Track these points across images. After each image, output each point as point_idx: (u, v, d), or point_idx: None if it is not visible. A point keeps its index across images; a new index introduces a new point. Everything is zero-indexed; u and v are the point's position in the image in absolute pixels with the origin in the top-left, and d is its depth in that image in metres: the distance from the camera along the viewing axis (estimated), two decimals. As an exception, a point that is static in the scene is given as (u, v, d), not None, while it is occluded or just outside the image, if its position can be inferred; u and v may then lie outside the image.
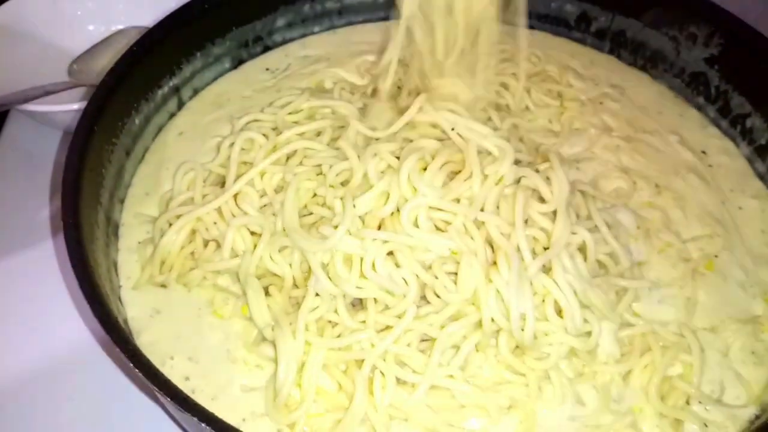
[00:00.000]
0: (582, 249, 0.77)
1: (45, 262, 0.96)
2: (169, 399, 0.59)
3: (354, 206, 0.75)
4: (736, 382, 0.76)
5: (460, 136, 0.80)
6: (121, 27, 1.26)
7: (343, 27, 1.17)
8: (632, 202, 0.89)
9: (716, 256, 0.85)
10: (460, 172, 0.77)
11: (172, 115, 1.01)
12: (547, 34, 1.16)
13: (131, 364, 0.61)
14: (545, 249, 0.76)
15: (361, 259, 0.74)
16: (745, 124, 1.00)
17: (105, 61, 1.23)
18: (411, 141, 0.80)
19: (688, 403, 0.74)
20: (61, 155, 1.11)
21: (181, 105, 1.03)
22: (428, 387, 0.70)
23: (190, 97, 1.04)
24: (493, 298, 0.71)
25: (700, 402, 0.73)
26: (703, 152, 1.00)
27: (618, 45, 1.13)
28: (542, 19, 1.17)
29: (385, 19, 1.18)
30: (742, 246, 0.88)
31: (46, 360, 0.86)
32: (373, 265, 0.73)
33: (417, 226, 0.74)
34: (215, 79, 1.07)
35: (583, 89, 1.02)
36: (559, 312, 0.73)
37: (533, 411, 0.71)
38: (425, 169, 0.77)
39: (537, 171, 0.79)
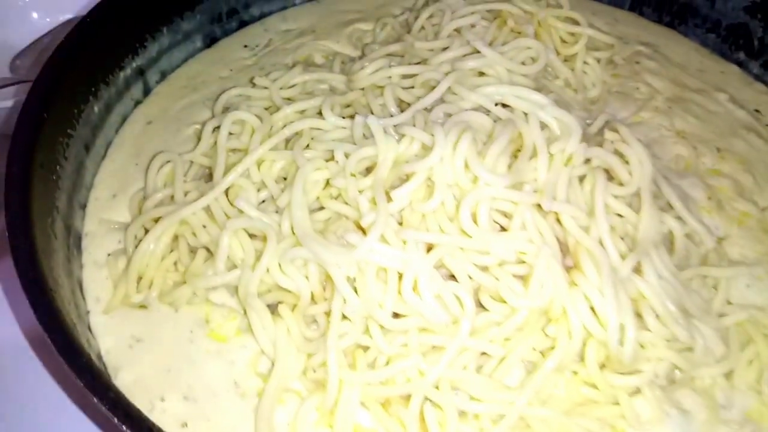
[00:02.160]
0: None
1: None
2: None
3: (390, 201, 0.59)
4: None
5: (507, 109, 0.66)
6: (69, 17, 1.09)
7: (326, -5, 1.02)
8: (695, 169, 0.77)
9: (801, 224, 0.73)
10: (517, 151, 0.62)
11: (137, 103, 0.86)
12: (560, -8, 1.03)
13: (115, 418, 0.44)
14: (621, 239, 0.62)
15: (400, 275, 0.58)
16: (796, 78, 0.89)
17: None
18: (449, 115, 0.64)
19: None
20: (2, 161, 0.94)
21: (147, 91, 0.87)
22: (510, 419, 0.55)
23: (158, 82, 0.89)
24: (583, 306, 0.56)
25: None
26: (757, 110, 0.89)
27: (640, 1, 1.00)
28: (552, -23, 1.03)
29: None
30: (822, 210, 0.76)
31: None
32: (416, 283, 0.57)
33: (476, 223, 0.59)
34: (186, 60, 0.92)
35: (615, 45, 0.88)
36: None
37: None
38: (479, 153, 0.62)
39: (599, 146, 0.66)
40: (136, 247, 0.66)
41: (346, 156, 0.64)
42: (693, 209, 0.71)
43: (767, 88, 0.91)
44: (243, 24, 0.97)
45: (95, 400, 0.45)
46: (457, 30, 0.80)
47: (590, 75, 0.85)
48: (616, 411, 0.57)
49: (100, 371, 0.49)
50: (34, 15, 1.11)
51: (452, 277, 0.60)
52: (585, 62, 0.85)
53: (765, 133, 0.85)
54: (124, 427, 0.44)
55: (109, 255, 0.69)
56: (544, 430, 0.56)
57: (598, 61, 0.86)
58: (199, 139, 0.77)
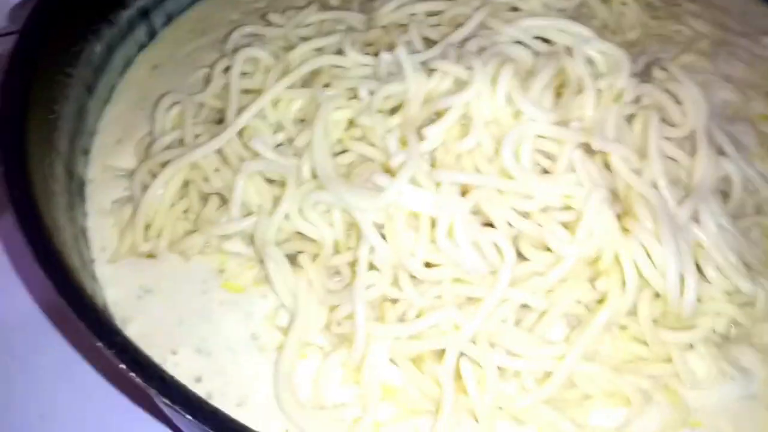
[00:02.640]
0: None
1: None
2: (191, 417, 0.38)
3: (422, 140, 0.54)
4: None
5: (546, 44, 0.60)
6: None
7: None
8: (744, 115, 0.72)
9: None
10: (561, 87, 0.56)
11: (142, 47, 0.80)
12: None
13: (125, 367, 0.39)
14: (674, 184, 0.57)
15: (433, 221, 0.53)
16: None
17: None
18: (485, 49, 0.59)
19: None
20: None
21: (153, 34, 0.82)
22: (558, 378, 0.50)
23: (164, 25, 0.83)
24: (641, 254, 0.51)
25: None
26: (804, 55, 0.82)
27: (675, -59, 0.94)
28: None
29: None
30: None
31: None
32: (451, 230, 0.52)
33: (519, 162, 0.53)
34: (193, 2, 0.86)
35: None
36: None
37: (682, 395, 0.52)
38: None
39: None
40: (144, 193, 0.61)
41: (371, 93, 0.58)
42: (745, 156, 0.66)
43: (814, 33, 0.86)
44: (252, -36, 0.91)
45: (100, 344, 0.40)
46: (487, -38, 0.74)
47: (628, 16, 0.79)
48: (669, 369, 0.53)
49: (105, 313, 0.44)
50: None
51: (489, 224, 0.54)
52: (623, 2, 0.79)
53: (815, 78, 0.79)
54: (133, 376, 0.39)
55: (114, 202, 0.65)
56: (591, 388, 0.51)
57: (636, 2, 0.80)
58: (208, 81, 0.72)
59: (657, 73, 0.64)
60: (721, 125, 0.69)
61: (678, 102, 0.61)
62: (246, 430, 0.42)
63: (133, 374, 0.39)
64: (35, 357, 0.69)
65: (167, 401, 0.39)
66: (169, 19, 0.83)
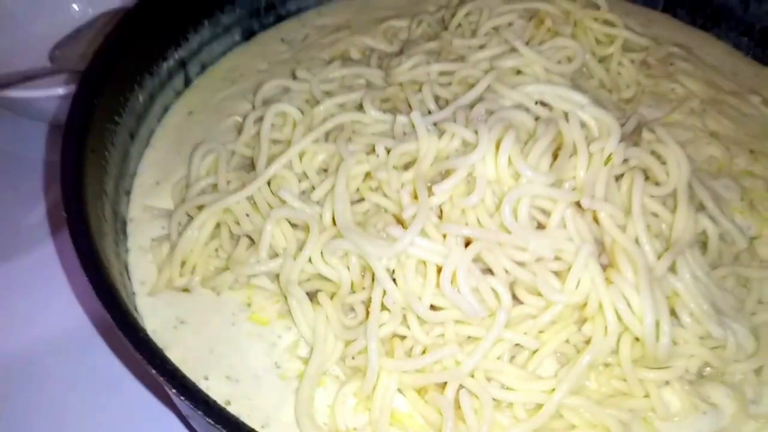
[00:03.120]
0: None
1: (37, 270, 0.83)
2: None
3: (431, 196, 0.61)
4: None
5: (546, 107, 0.67)
6: (106, 9, 1.13)
7: (363, -8, 1.04)
8: (728, 171, 0.78)
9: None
10: (558, 149, 0.63)
11: (178, 94, 0.88)
12: (593, -7, 1.03)
13: (172, 388, 0.46)
14: (655, 237, 0.63)
15: (439, 269, 0.59)
16: (830, 83, 0.89)
17: (90, 46, 1.10)
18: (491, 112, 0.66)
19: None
20: (48, 151, 0.97)
21: (188, 82, 0.89)
22: (548, 410, 0.56)
23: (198, 73, 0.91)
24: (621, 303, 0.57)
25: None
26: (790, 113, 0.88)
27: (674, 3, 1.01)
28: (585, -21, 1.04)
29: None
30: None
31: (46, 348, 0.78)
32: (454, 277, 0.58)
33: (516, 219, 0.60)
34: (225, 52, 0.94)
35: (649, 46, 0.89)
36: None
37: (658, 427, 0.59)
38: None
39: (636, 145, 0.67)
40: (180, 233, 0.68)
41: (387, 150, 0.65)
42: (725, 210, 0.72)
43: (801, 92, 0.92)
44: (280, 18, 0.99)
45: (153, 371, 0.47)
46: (495, 28, 0.81)
47: (625, 76, 0.86)
48: (647, 404, 0.58)
49: (156, 345, 0.50)
50: (75, 7, 1.14)
51: (488, 270, 0.61)
52: (620, 63, 0.86)
53: (798, 136, 0.85)
54: (181, 398, 0.46)
55: (153, 240, 0.71)
56: (576, 419, 0.57)
57: (632, 62, 0.87)
58: (239, 130, 0.79)
59: (646, 134, 0.71)
60: (706, 180, 0.76)
61: (663, 162, 0.67)
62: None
63: (182, 398, 0.46)
64: (83, 363, 0.76)
65: (211, 421, 0.45)
66: (203, 68, 0.91)
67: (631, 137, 0.73)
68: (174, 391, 0.46)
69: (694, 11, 1.00)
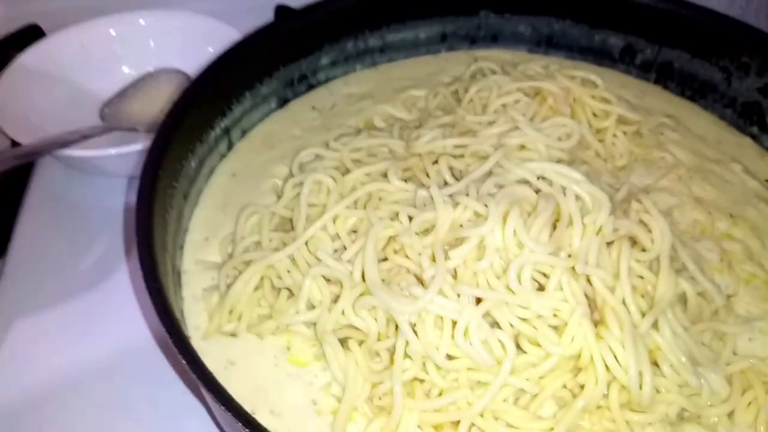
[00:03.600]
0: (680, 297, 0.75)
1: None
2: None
3: (447, 259, 0.71)
4: None
5: (546, 181, 0.78)
6: (150, 69, 1.24)
7: (384, 63, 1.16)
8: (710, 234, 0.87)
9: (802, 288, 0.83)
10: (557, 221, 0.73)
11: (222, 157, 0.98)
12: (592, 66, 1.15)
13: (239, 423, 0.56)
14: (642, 297, 0.73)
15: (454, 323, 0.69)
16: (803, 153, 0.99)
17: (135, 104, 1.22)
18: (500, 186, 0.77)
19: (797, 440, 0.70)
20: (101, 200, 1.08)
21: (231, 146, 1.00)
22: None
23: (239, 138, 1.01)
24: (609, 356, 0.67)
25: (811, 439, 0.70)
26: (767, 181, 0.98)
27: (665, 76, 1.12)
28: (584, 52, 1.16)
29: (425, 53, 1.18)
30: (823, 275, 0.86)
31: (111, 359, 0.88)
32: (467, 331, 0.69)
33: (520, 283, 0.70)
34: (262, 119, 1.05)
35: (641, 120, 1.00)
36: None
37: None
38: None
39: (625, 213, 0.77)
40: (229, 285, 0.79)
41: (410, 219, 0.76)
42: (705, 270, 0.82)
43: (778, 161, 1.02)
44: (311, 87, 1.10)
45: (222, 408, 0.57)
46: (503, 105, 0.93)
47: (618, 146, 0.96)
48: (631, 443, 0.68)
49: (220, 383, 0.61)
50: (126, 69, 1.26)
51: (496, 324, 0.71)
52: (614, 135, 0.96)
53: (774, 202, 0.95)
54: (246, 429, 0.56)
55: (204, 290, 0.82)
56: (571, 455, 0.67)
57: (625, 133, 0.97)
58: (277, 192, 0.90)
59: (634, 204, 0.81)
60: (689, 242, 0.85)
61: (649, 231, 0.78)
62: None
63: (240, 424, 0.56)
64: (147, 381, 0.86)
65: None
66: (244, 133, 1.02)
67: (622, 205, 0.83)
68: (240, 425, 0.56)
69: (683, 84, 1.10)
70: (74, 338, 0.91)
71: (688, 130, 1.04)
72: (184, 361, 0.60)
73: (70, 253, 1.02)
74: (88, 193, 1.10)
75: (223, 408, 0.58)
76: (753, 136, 1.04)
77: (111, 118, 1.18)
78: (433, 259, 0.72)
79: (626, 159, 0.96)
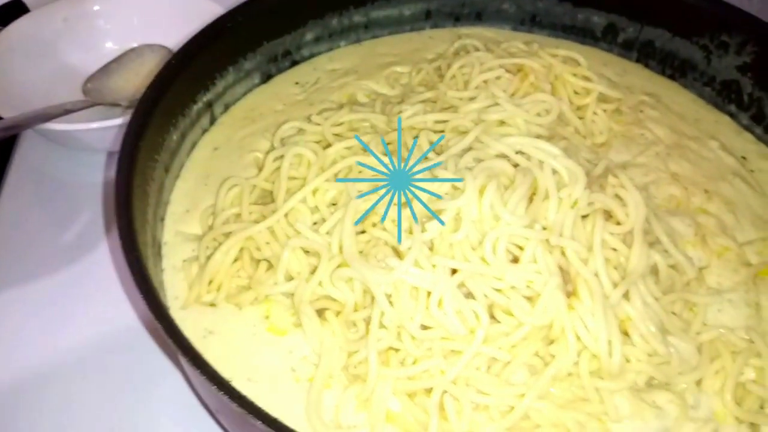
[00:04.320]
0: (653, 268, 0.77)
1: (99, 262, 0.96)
2: (259, 422, 0.55)
3: (424, 231, 0.72)
4: (811, 384, 0.75)
5: (524, 155, 0.79)
6: (134, 45, 1.24)
7: (369, 40, 1.16)
8: (685, 208, 0.89)
9: (773, 260, 0.85)
10: (533, 194, 0.74)
11: (204, 131, 0.99)
12: (575, 44, 1.16)
13: (213, 386, 0.57)
14: (615, 268, 0.74)
15: (428, 294, 0.70)
16: (780, 130, 1.00)
17: (119, 79, 1.22)
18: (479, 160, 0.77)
19: (762, 407, 0.73)
20: (80, 174, 1.08)
21: (213, 120, 1.00)
22: (518, 412, 0.68)
23: (222, 113, 1.02)
24: (579, 325, 0.69)
25: (775, 405, 0.72)
26: (743, 157, 1.00)
27: (646, 55, 1.13)
28: (567, 31, 1.17)
29: (410, 30, 1.18)
30: (794, 249, 0.88)
31: (98, 345, 0.88)
32: (441, 301, 0.70)
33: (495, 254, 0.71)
34: (245, 94, 1.05)
35: (622, 98, 1.01)
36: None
37: (610, 427, 0.70)
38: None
39: (602, 188, 0.78)
40: (209, 256, 0.79)
41: (387, 191, 0.77)
42: (679, 243, 0.83)
43: (754, 138, 1.02)
44: (295, 63, 1.10)
45: (197, 372, 0.58)
46: (485, 81, 0.94)
47: (598, 123, 0.97)
48: (602, 408, 0.69)
49: (196, 349, 0.62)
50: (108, 44, 1.25)
51: (470, 294, 0.72)
52: (594, 113, 0.97)
53: (749, 178, 0.96)
54: (221, 394, 0.57)
55: (184, 261, 0.82)
56: (541, 420, 0.68)
57: (605, 111, 0.98)
58: (258, 165, 0.91)
59: (611, 179, 0.82)
60: (664, 216, 0.87)
61: (624, 205, 0.79)
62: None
63: (222, 393, 0.57)
64: (135, 361, 0.86)
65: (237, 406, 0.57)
66: (226, 107, 1.02)
67: (599, 180, 0.84)
68: (214, 387, 0.57)
69: (664, 63, 1.11)
70: (55, 314, 0.92)
71: (667, 108, 1.05)
72: (160, 327, 0.60)
73: (51, 228, 1.02)
74: (71, 167, 1.10)
75: (198, 372, 0.59)
76: (731, 114, 1.06)
77: (94, 93, 1.18)
78: (410, 232, 0.73)
79: (606, 136, 0.97)
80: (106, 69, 1.22)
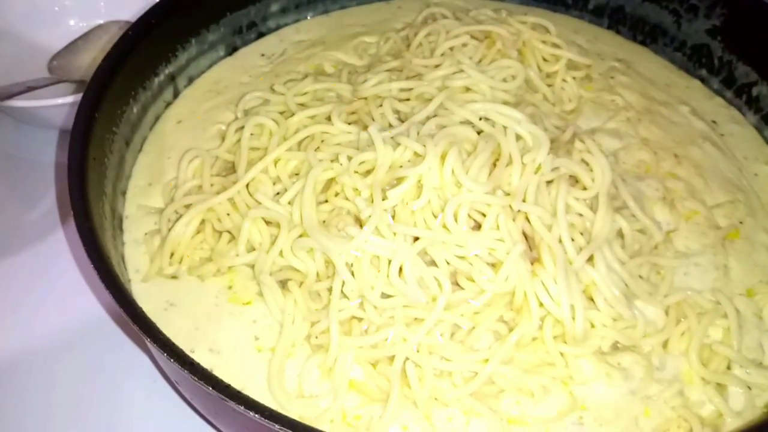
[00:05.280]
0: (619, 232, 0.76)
1: (56, 252, 0.95)
2: (211, 388, 0.54)
3: (385, 199, 0.71)
4: (776, 344, 0.75)
5: (489, 122, 0.77)
6: (100, 22, 1.22)
7: (337, 11, 1.14)
8: (655, 173, 0.88)
9: (741, 223, 0.84)
10: (497, 159, 0.73)
11: (168, 104, 0.97)
12: (546, 11, 1.14)
13: (163, 354, 0.56)
14: (581, 234, 0.74)
15: (390, 262, 0.69)
16: (751, 93, 1.00)
17: (86, 57, 1.20)
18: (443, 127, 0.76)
19: (729, 367, 0.72)
20: (47, 153, 1.07)
21: (177, 93, 0.99)
22: (481, 378, 0.67)
23: (186, 86, 1.00)
24: (542, 291, 0.68)
25: (741, 366, 0.72)
26: (714, 122, 0.99)
27: (617, 21, 1.12)
28: (539, -2, 1.15)
29: (378, 0, 1.16)
30: (762, 211, 0.88)
31: (62, 335, 0.87)
32: (401, 269, 0.69)
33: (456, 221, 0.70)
34: (210, 66, 1.03)
35: (591, 65, 0.99)
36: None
37: (575, 389, 0.69)
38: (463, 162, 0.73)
39: (569, 153, 0.77)
40: (170, 229, 0.78)
41: (349, 159, 0.76)
42: (646, 207, 0.83)
43: (725, 102, 1.02)
44: (261, 35, 1.08)
45: (149, 341, 0.57)
46: (451, 48, 0.92)
47: (567, 91, 0.96)
48: (567, 372, 0.69)
49: (150, 319, 0.61)
50: (71, 21, 1.23)
51: (434, 262, 0.71)
52: (563, 80, 0.96)
53: (719, 141, 0.96)
54: (171, 361, 0.56)
55: (146, 234, 0.81)
56: (505, 385, 0.68)
57: (575, 78, 0.97)
58: (222, 137, 0.89)
59: (577, 144, 0.82)
60: (632, 181, 0.86)
61: (590, 170, 0.78)
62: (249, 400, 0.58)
63: (172, 361, 0.56)
64: (103, 353, 0.86)
65: (194, 378, 0.56)
66: (191, 80, 1.00)
67: (566, 146, 0.83)
68: (165, 355, 0.56)
69: (635, 28, 1.10)
70: (13, 298, 0.91)
71: (638, 74, 1.04)
72: (111, 298, 0.59)
73: (13, 207, 1.01)
74: (34, 146, 1.08)
75: (148, 340, 0.58)
76: (702, 79, 1.05)
77: (59, 71, 1.16)
78: (372, 200, 0.72)
79: (575, 103, 0.96)
80: (72, 46, 1.20)
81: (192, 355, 0.69)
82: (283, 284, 0.74)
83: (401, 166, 0.74)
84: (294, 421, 0.55)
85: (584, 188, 0.77)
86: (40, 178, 1.04)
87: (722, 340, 0.74)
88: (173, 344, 0.59)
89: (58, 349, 0.86)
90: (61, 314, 0.89)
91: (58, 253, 0.94)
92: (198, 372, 0.56)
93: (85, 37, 1.21)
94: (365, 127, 0.83)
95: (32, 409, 0.81)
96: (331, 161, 0.77)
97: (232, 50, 1.06)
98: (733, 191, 0.88)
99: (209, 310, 0.74)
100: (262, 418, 0.53)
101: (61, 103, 1.01)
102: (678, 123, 0.98)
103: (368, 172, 0.76)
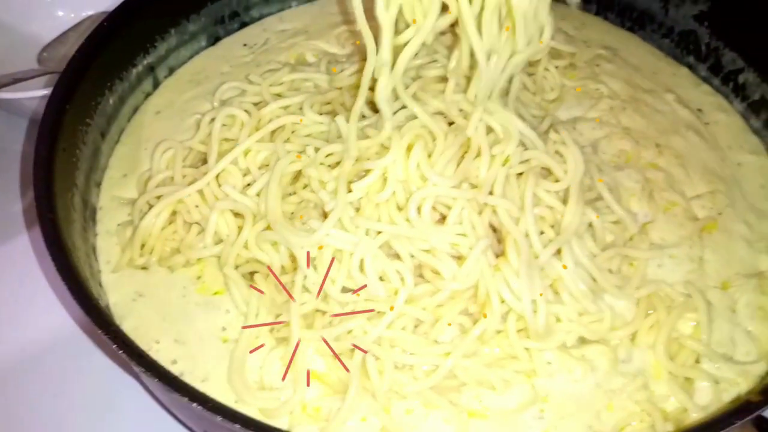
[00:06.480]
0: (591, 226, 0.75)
1: (21, 257, 0.94)
2: (156, 380, 0.55)
3: (349, 192, 0.71)
4: (746, 338, 0.73)
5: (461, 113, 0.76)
6: (90, 13, 1.22)
7: (321, -1, 1.14)
8: (635, 163, 0.87)
9: (720, 214, 0.83)
10: (466, 152, 0.72)
11: (147, 95, 0.97)
12: (533, -2, 1.12)
13: (115, 346, 0.56)
14: (551, 227, 0.73)
15: (351, 255, 0.69)
16: (737, 80, 0.98)
17: (75, 48, 1.20)
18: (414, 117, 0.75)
19: (698, 361, 0.71)
20: (31, 144, 1.07)
21: (156, 84, 0.99)
22: (441, 371, 0.67)
23: (166, 76, 1.00)
24: (504, 286, 0.67)
25: (710, 360, 0.71)
26: (699, 110, 0.97)
27: (605, 7, 1.10)
28: (527, -16, 1.13)
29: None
30: (743, 201, 0.86)
31: (31, 349, 0.87)
32: (362, 263, 0.69)
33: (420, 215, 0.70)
34: (191, 57, 1.03)
35: (576, 53, 0.98)
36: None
37: (537, 382, 0.69)
38: (430, 155, 0.72)
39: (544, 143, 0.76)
40: (141, 219, 0.79)
41: (316, 150, 0.75)
42: (623, 198, 0.81)
43: (712, 90, 1.00)
44: (243, 25, 1.08)
45: (102, 333, 0.57)
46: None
47: (549, 80, 0.94)
48: (530, 365, 0.69)
49: (107, 314, 0.61)
50: (60, 13, 1.23)
51: (398, 255, 0.71)
52: (546, 68, 0.95)
53: (703, 130, 0.94)
54: (122, 353, 0.57)
55: (118, 225, 0.81)
56: (466, 378, 0.68)
57: (557, 67, 0.95)
58: (197, 128, 0.90)
59: (552, 135, 0.80)
60: (610, 172, 0.85)
61: (564, 162, 0.76)
62: (204, 397, 0.59)
63: (124, 354, 0.57)
64: (74, 367, 0.85)
65: (147, 375, 0.56)
66: (171, 71, 1.00)
67: (543, 136, 0.82)
68: (115, 346, 0.56)
69: (623, 15, 1.08)
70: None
71: (624, 61, 1.02)
72: (66, 288, 0.60)
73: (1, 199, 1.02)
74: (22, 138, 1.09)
75: (101, 332, 0.58)
76: (689, 66, 1.03)
77: (49, 62, 1.16)
78: (336, 193, 0.72)
79: (557, 92, 0.94)
80: (62, 38, 1.20)
81: (156, 346, 0.71)
82: (251, 276, 0.74)
83: (369, 159, 0.74)
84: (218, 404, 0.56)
85: (557, 180, 0.76)
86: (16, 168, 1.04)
87: (692, 334, 0.73)
88: (126, 336, 0.59)
89: (25, 364, 0.86)
90: (26, 325, 0.89)
91: (22, 254, 0.95)
92: (146, 363, 0.56)
93: (75, 28, 1.21)
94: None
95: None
96: (301, 153, 0.77)
97: (214, 40, 1.05)
98: (714, 181, 0.86)
99: (177, 301, 0.75)
100: (199, 407, 0.54)
101: (45, 95, 1.01)
102: (662, 111, 0.96)
103: (338, 164, 0.76)
